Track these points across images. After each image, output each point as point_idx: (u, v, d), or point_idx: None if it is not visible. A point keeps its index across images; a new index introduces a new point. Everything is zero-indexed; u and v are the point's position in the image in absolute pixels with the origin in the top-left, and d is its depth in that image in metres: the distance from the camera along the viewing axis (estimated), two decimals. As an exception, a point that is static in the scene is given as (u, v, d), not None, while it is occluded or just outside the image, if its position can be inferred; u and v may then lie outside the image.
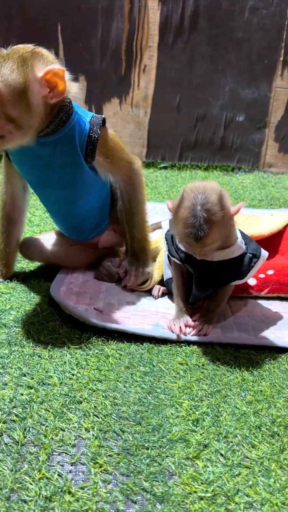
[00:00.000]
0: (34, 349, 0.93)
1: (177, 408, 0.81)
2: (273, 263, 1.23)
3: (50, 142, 1.00)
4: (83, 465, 0.70)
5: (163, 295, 1.15)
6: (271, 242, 1.36)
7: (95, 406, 0.80)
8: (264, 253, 1.04)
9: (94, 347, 0.96)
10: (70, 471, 0.69)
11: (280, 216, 1.44)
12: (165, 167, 2.32)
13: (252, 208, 1.83)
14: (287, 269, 1.18)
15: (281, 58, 2.18)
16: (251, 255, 1.01)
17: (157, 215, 1.61)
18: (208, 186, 0.90)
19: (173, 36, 2.16)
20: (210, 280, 1.00)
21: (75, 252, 1.22)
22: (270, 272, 1.18)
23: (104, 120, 1.06)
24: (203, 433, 0.76)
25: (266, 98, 2.25)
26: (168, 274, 1.11)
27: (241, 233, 1.04)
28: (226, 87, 2.23)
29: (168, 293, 1.16)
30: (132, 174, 1.12)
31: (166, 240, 1.06)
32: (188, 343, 0.98)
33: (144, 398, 0.83)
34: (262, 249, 1.04)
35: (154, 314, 1.07)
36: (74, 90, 1.01)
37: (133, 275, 1.14)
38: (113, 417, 0.79)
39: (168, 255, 1.08)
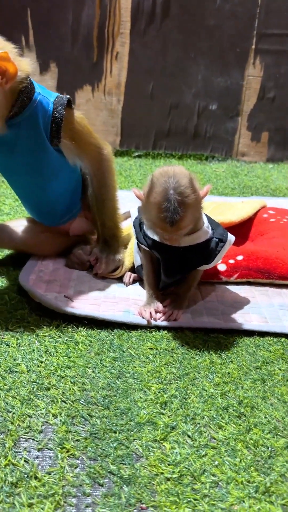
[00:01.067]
0: (2, 338, 0.92)
1: (145, 391, 0.82)
2: (242, 249, 1.24)
3: (13, 126, 0.98)
4: (50, 450, 0.70)
5: (134, 282, 1.15)
6: (242, 229, 1.38)
7: (63, 392, 0.80)
8: (231, 238, 1.05)
9: (63, 334, 0.95)
10: (37, 457, 0.69)
11: (250, 204, 1.46)
12: (139, 156, 2.31)
13: (224, 197, 1.85)
14: (256, 255, 1.19)
15: (253, 46, 2.18)
16: (217, 239, 1.02)
17: (131, 203, 1.60)
18: (177, 170, 0.90)
19: (145, 23, 2.14)
20: (178, 265, 1.01)
21: (46, 239, 1.20)
22: (240, 257, 1.19)
23: (69, 101, 1.03)
24: (171, 415, 0.77)
25: (238, 87, 2.25)
26: (139, 261, 1.11)
27: (208, 218, 1.04)
28: (198, 75, 2.23)
29: (139, 280, 1.16)
30: (101, 159, 1.11)
31: (134, 227, 1.06)
32: (158, 328, 0.99)
33: (113, 383, 0.83)
34: (229, 234, 1.05)
35: (125, 300, 1.07)
36: (27, 68, 0.98)
37: (104, 262, 1.14)
38: (81, 402, 0.78)
39: (137, 242, 1.08)
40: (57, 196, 1.13)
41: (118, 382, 0.83)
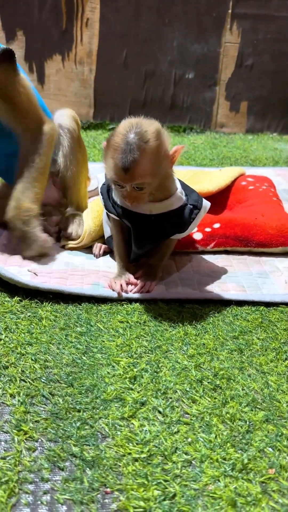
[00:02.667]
0: None
1: (113, 366, 0.75)
2: (220, 217, 1.17)
3: None
4: (6, 433, 0.63)
5: (104, 253, 1.08)
6: (219, 197, 1.31)
7: (22, 371, 0.73)
8: (206, 204, 0.98)
9: (26, 310, 0.88)
10: (-9, 441, 0.62)
11: (228, 171, 1.39)
12: (114, 129, 2.22)
13: (202, 167, 1.77)
14: (233, 222, 1.13)
15: (230, 11, 2.09)
16: (191, 206, 0.95)
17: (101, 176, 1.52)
18: (146, 120, 0.83)
19: (116, -15, 2.02)
20: (149, 235, 0.94)
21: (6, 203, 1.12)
22: (217, 225, 1.13)
23: (8, 53, 0.92)
24: (140, 390, 0.71)
25: (215, 54, 2.16)
26: (108, 231, 1.04)
27: (182, 183, 0.97)
28: (174, 41, 2.13)
29: (110, 252, 1.09)
30: (38, 134, 1.00)
31: (101, 195, 0.98)
32: (130, 301, 0.92)
33: (79, 359, 0.76)
34: (204, 200, 0.98)
35: (94, 273, 1.00)
36: None
37: (72, 223, 1.07)
38: (43, 380, 0.72)
39: (105, 211, 1.01)
40: (10, 157, 1.04)
41: (84, 358, 0.77)
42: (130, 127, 0.81)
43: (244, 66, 2.20)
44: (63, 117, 1.10)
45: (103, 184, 1.00)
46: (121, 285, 0.93)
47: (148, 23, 2.09)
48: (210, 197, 1.26)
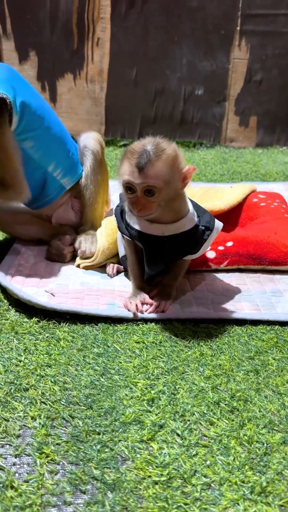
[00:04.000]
0: (-22, 337, 0.86)
1: (131, 388, 0.76)
2: (232, 235, 1.19)
3: None
4: (28, 456, 0.65)
5: (118, 273, 1.10)
6: (231, 215, 1.33)
7: (42, 393, 0.75)
8: (219, 225, 0.99)
9: (44, 331, 0.90)
10: (14, 464, 0.64)
11: (239, 188, 1.41)
12: (125, 145, 2.25)
13: (213, 183, 1.79)
14: (246, 240, 1.14)
15: (238, 28, 2.12)
16: (203, 227, 0.96)
17: (117, 193, 1.55)
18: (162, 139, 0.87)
19: (126, 6, 2.07)
20: (162, 256, 0.95)
21: (25, 221, 1.15)
22: (229, 244, 1.14)
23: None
24: (158, 413, 0.72)
25: (224, 70, 2.19)
26: (122, 251, 1.06)
27: (193, 204, 0.99)
28: (183, 59, 2.16)
29: (124, 271, 1.10)
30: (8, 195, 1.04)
31: (115, 216, 1.00)
32: (145, 321, 0.94)
33: (97, 381, 0.78)
34: (216, 220, 0.99)
35: (110, 293, 1.01)
36: None
37: (84, 242, 1.09)
38: (62, 403, 0.73)
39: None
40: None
41: (102, 380, 0.78)
42: (148, 141, 0.85)
43: (253, 82, 2.22)
44: (88, 139, 1.14)
45: (117, 206, 1.02)
46: (136, 305, 0.95)
47: (157, 41, 2.13)
48: (222, 214, 1.27)
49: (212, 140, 2.29)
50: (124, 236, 0.99)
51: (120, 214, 0.99)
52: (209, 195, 1.39)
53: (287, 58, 2.18)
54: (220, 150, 2.24)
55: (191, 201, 0.99)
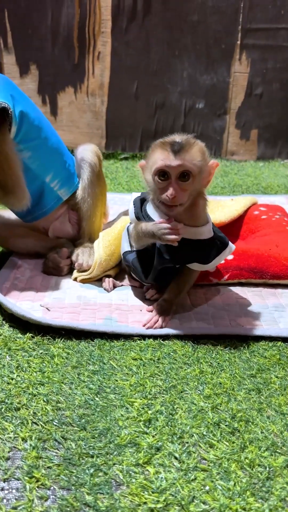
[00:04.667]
0: None
1: (127, 408, 0.73)
2: (233, 248, 1.16)
3: None
4: (18, 480, 0.61)
5: (115, 287, 1.07)
6: (232, 227, 1.30)
7: (34, 413, 0.72)
8: (231, 245, 0.98)
9: (38, 347, 0.87)
10: (2, 489, 0.60)
11: (240, 201, 1.38)
12: (125, 158, 2.24)
13: (214, 196, 1.77)
14: (247, 253, 1.12)
15: (238, 42, 2.12)
16: (219, 242, 0.94)
17: (116, 205, 1.54)
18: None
19: (127, 20, 2.07)
20: (173, 254, 0.92)
21: (20, 233, 1.13)
22: (230, 257, 1.11)
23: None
24: (155, 434, 0.69)
25: (225, 84, 2.19)
26: (125, 247, 1.03)
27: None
28: (184, 72, 2.16)
29: (130, 275, 1.08)
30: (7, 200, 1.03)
31: (134, 204, 0.97)
32: (143, 337, 0.91)
33: (91, 400, 0.74)
34: (230, 242, 0.98)
35: (107, 307, 0.98)
36: None
37: (82, 254, 1.07)
38: (55, 423, 0.70)
39: (127, 228, 1.00)
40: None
41: (97, 399, 0.75)
42: (176, 135, 0.87)
43: (254, 95, 2.22)
44: (85, 151, 1.12)
45: (137, 197, 0.99)
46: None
47: (158, 55, 2.13)
48: (223, 227, 1.25)
49: (213, 153, 2.28)
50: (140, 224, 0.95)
51: (140, 204, 0.97)
52: (209, 207, 1.37)
53: (288, 72, 2.18)
54: (221, 163, 2.23)
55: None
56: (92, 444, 0.66)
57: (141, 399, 0.75)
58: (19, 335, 0.89)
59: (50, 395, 0.75)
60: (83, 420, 0.70)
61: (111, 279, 1.07)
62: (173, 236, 0.86)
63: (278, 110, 2.23)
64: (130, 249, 1.00)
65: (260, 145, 2.29)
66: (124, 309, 0.97)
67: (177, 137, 0.86)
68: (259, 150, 2.29)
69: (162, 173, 0.85)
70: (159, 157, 0.85)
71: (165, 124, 2.23)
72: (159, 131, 2.23)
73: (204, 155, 0.87)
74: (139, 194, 1.00)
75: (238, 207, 1.34)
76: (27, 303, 0.96)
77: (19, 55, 2.10)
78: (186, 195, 0.86)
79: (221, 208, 1.34)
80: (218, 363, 0.84)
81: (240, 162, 2.25)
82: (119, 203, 1.59)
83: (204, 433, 0.69)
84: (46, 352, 0.85)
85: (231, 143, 2.28)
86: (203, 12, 2.07)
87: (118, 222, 1.15)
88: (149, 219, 0.92)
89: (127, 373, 0.80)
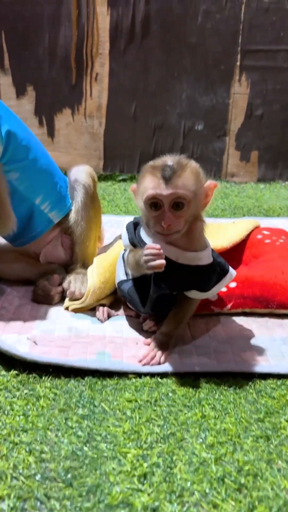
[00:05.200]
0: None
1: (120, 460, 0.65)
2: (236, 275, 1.08)
3: None
4: None
5: (109, 317, 0.99)
6: (234, 252, 1.23)
7: (15, 465, 0.63)
8: (232, 271, 0.92)
9: (23, 386, 0.79)
10: None
11: (242, 224, 1.32)
12: (124, 180, 2.19)
13: (214, 218, 1.71)
14: (251, 281, 1.04)
15: (238, 63, 2.10)
16: (219, 269, 0.87)
17: (113, 228, 1.47)
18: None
19: (125, 42, 2.05)
20: (170, 281, 0.85)
21: (11, 259, 1.06)
22: (233, 285, 1.04)
23: None
24: (151, 492, 0.60)
25: (224, 105, 2.16)
26: (121, 276, 0.96)
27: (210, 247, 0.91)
28: (183, 94, 2.13)
29: (115, 315, 1.00)
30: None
31: (126, 229, 0.91)
32: (139, 375, 0.82)
33: (79, 450, 0.66)
34: (230, 268, 0.91)
35: (100, 339, 0.90)
36: None
37: (74, 281, 1.00)
38: (37, 478, 0.61)
39: (122, 255, 0.93)
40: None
41: (85, 449, 0.66)
42: (167, 157, 0.80)
43: (254, 116, 2.18)
44: (79, 173, 1.06)
45: (130, 222, 0.93)
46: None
47: (157, 76, 2.10)
48: (224, 252, 1.18)
49: (213, 175, 2.23)
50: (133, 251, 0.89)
51: (133, 229, 0.90)
52: (210, 231, 1.30)
53: (288, 94, 2.15)
54: (221, 185, 2.17)
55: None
56: (78, 504, 0.58)
57: (135, 449, 0.66)
58: (3, 372, 0.81)
59: (33, 443, 0.67)
60: (69, 475, 0.62)
61: (105, 308, 1.00)
62: (156, 262, 0.78)
63: (278, 131, 2.19)
64: (125, 278, 0.93)
65: (261, 166, 2.24)
66: (119, 342, 0.90)
67: (169, 160, 0.79)
68: (259, 171, 2.24)
69: (154, 203, 0.79)
70: (149, 185, 0.78)
71: (164, 145, 2.19)
72: (158, 152, 2.18)
73: (199, 177, 0.81)
74: (132, 218, 0.93)
75: (240, 231, 1.28)
76: (13, 336, 0.89)
77: (15, 76, 2.07)
78: (181, 222, 0.80)
79: (222, 232, 1.27)
80: (222, 406, 0.76)
81: (241, 184, 2.20)
82: (115, 225, 1.52)
83: (207, 490, 0.61)
84: (32, 392, 0.77)
85: (231, 165, 2.24)
86: (202, 34, 2.06)
87: (114, 247, 1.08)
88: (144, 244, 0.85)
89: (120, 418, 0.72)
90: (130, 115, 2.14)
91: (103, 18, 2.02)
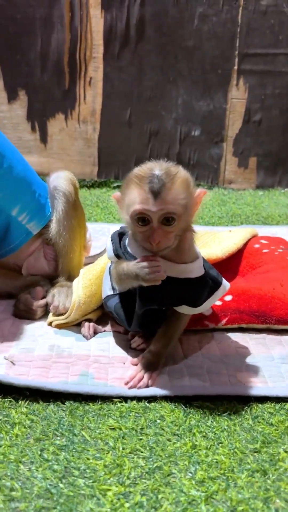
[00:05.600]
0: None
1: (99, 499, 0.58)
2: (232, 287, 1.01)
3: None
4: None
5: (95, 333, 0.92)
6: (230, 262, 1.17)
7: (-21, 507, 0.56)
8: (226, 284, 0.85)
9: (-3, 411, 0.72)
10: None
11: (239, 233, 1.25)
12: (118, 186, 2.13)
13: (211, 226, 1.65)
14: (248, 294, 0.98)
15: (235, 67, 2.04)
16: (211, 281, 0.81)
17: (105, 236, 1.41)
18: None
19: (119, 46, 2.00)
20: (156, 294, 0.78)
21: None
22: (228, 298, 0.97)
23: None
24: (133, 539, 0.53)
25: (222, 110, 2.10)
26: (107, 290, 0.89)
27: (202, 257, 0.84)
28: (179, 99, 2.07)
29: (102, 331, 0.93)
30: None
31: (111, 240, 0.84)
32: (125, 398, 0.76)
33: (54, 487, 0.59)
34: (224, 280, 0.84)
35: (84, 359, 0.84)
36: None
37: (58, 295, 0.93)
38: (4, 523, 0.55)
39: (109, 268, 0.86)
40: None
41: (61, 486, 0.59)
42: (153, 164, 0.74)
43: (252, 122, 2.13)
44: (59, 179, 1.00)
45: (114, 232, 0.86)
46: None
47: (152, 81, 2.05)
48: (220, 263, 1.12)
49: (210, 181, 2.17)
50: (117, 262, 0.81)
51: (118, 239, 0.83)
52: (205, 240, 1.24)
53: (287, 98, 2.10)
54: (218, 192, 2.12)
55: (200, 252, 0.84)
56: None
57: (117, 486, 0.59)
58: (-24, 396, 0.75)
59: (3, 479, 0.60)
60: (41, 518, 0.55)
61: (91, 324, 0.93)
62: (158, 274, 0.72)
63: (277, 137, 2.14)
64: (112, 293, 0.87)
65: (260, 173, 2.18)
66: (104, 361, 0.83)
67: (156, 168, 0.72)
68: (258, 178, 2.18)
69: (141, 218, 0.72)
70: (136, 199, 0.71)
71: (160, 152, 2.13)
72: (153, 159, 2.12)
73: (189, 188, 0.74)
74: (118, 228, 0.87)
75: (237, 240, 1.21)
76: (-10, 355, 0.82)
77: (7, 80, 2.02)
78: (171, 237, 0.73)
79: (217, 241, 1.21)
80: (215, 434, 0.69)
81: (239, 191, 2.14)
82: (107, 234, 1.46)
83: (196, 536, 0.54)
84: (6, 419, 0.70)
85: (228, 172, 2.18)
86: (199, 37, 2.00)
87: (101, 258, 1.02)
88: (129, 255, 0.78)
89: (101, 449, 0.65)
90: (125, 120, 2.09)
91: (96, 21, 1.97)
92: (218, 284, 0.83)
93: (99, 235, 1.51)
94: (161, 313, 0.83)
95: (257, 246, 1.22)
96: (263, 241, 1.24)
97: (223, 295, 0.98)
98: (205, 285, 0.80)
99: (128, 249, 0.79)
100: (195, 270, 0.79)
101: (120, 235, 0.83)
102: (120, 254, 0.80)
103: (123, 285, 0.79)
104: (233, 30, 2.01)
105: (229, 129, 2.13)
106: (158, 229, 0.72)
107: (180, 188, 0.72)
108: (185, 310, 0.83)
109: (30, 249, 1.01)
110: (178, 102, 2.08)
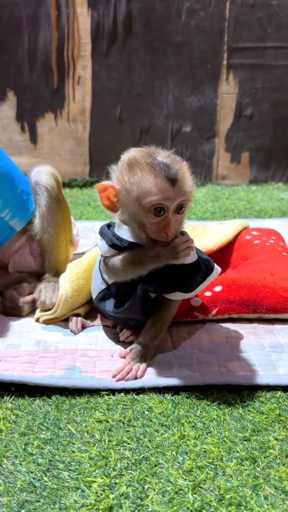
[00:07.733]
0: None
1: (83, 491, 0.56)
2: (221, 278, 1.01)
3: None
4: None
5: (83, 328, 0.91)
6: (221, 254, 1.16)
7: None
8: (217, 268, 0.84)
9: (-18, 407, 0.70)
10: None
11: (230, 225, 1.24)
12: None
13: (204, 221, 1.64)
14: (238, 284, 0.97)
15: (225, 62, 2.04)
16: (204, 266, 0.80)
17: (95, 234, 1.40)
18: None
19: (107, 43, 1.99)
20: (150, 279, 0.77)
21: None
22: (218, 288, 0.96)
23: None
24: (117, 531, 0.52)
25: (212, 106, 2.09)
26: (97, 290, 0.87)
27: None
28: (169, 95, 2.06)
29: (91, 325, 0.92)
30: None
31: (102, 231, 0.82)
32: (113, 391, 0.74)
33: (38, 480, 0.58)
34: (215, 264, 0.83)
35: (71, 353, 0.82)
36: None
37: (45, 290, 0.92)
38: (-15, 518, 0.53)
39: (99, 268, 0.85)
40: None
41: (45, 479, 0.58)
42: (151, 150, 0.72)
43: (243, 116, 2.12)
44: (40, 174, 0.98)
45: (103, 225, 0.85)
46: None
47: (141, 78, 2.04)
48: (210, 255, 1.10)
49: (203, 178, 2.16)
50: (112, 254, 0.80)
51: (108, 229, 0.82)
52: (195, 232, 1.23)
53: (278, 92, 2.09)
54: (211, 188, 2.10)
55: None
56: None
57: (102, 478, 0.58)
58: None
59: (-14, 475, 0.58)
60: (23, 510, 0.54)
61: (79, 318, 0.92)
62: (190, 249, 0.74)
63: (269, 131, 2.12)
64: (105, 286, 0.85)
65: (252, 168, 2.17)
66: (92, 355, 0.82)
67: (163, 156, 0.71)
68: (251, 173, 2.17)
69: (158, 209, 0.71)
70: (154, 188, 0.69)
71: (151, 148, 2.12)
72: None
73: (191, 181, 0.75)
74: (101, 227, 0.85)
75: (228, 232, 1.20)
76: (-25, 352, 0.81)
77: (-5, 81, 2.01)
78: (180, 225, 0.75)
79: (208, 234, 1.20)
80: (204, 424, 0.67)
81: (232, 187, 2.12)
82: (97, 231, 1.45)
83: (183, 526, 0.52)
84: (-10, 414, 0.69)
85: (221, 167, 2.17)
86: (187, 33, 2.00)
87: (89, 252, 1.00)
88: (130, 242, 0.76)
89: (87, 442, 0.64)
90: (115, 118, 2.08)
91: (83, 19, 1.96)
92: (210, 269, 0.82)
93: (90, 233, 1.49)
94: (147, 303, 0.82)
95: (248, 237, 1.21)
96: (254, 233, 1.23)
97: (213, 285, 0.97)
98: (199, 270, 0.79)
99: (123, 237, 0.77)
100: (190, 256, 0.78)
101: (109, 226, 0.82)
102: (117, 243, 0.78)
103: (127, 275, 0.77)
104: (221, 24, 2.00)
105: (220, 124, 2.12)
106: (173, 219, 0.71)
107: (189, 176, 0.73)
108: (178, 296, 0.81)
109: (15, 246, 0.99)
110: (168, 98, 2.07)
